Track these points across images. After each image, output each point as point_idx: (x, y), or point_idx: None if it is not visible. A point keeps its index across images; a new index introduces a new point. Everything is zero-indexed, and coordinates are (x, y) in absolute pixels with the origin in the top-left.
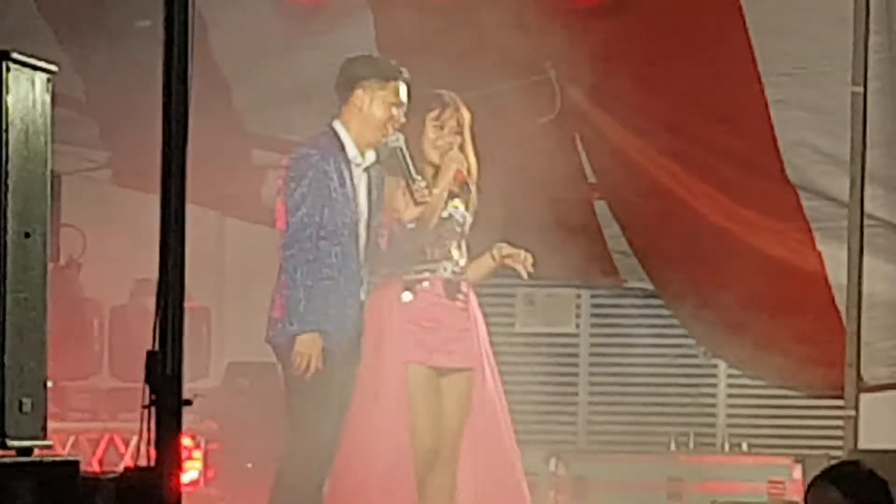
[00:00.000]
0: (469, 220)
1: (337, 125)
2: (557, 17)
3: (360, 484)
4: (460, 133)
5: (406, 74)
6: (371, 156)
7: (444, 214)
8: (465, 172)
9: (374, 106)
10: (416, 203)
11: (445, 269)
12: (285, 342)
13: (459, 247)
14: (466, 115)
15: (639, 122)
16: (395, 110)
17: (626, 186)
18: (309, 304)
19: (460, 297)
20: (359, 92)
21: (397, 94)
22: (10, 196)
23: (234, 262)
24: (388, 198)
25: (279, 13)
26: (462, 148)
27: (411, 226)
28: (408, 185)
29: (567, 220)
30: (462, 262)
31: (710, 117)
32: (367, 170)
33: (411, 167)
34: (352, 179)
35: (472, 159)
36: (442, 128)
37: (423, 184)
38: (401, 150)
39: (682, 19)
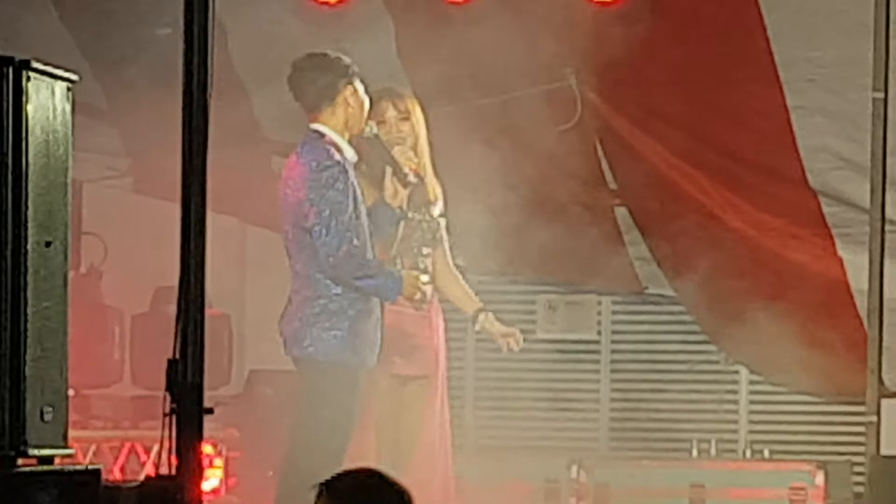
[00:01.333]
0: (443, 226)
1: (322, 128)
2: (577, 23)
3: None
4: (407, 119)
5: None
6: (354, 152)
7: (415, 218)
8: (415, 167)
9: (358, 101)
10: (405, 185)
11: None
12: (332, 357)
13: (430, 254)
14: (411, 104)
15: (659, 128)
16: (367, 101)
17: (646, 193)
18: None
19: (425, 307)
20: (349, 89)
21: (359, 91)
22: (30, 205)
23: (256, 270)
24: (369, 186)
25: (299, 20)
26: (416, 141)
27: (398, 211)
28: (394, 170)
29: (587, 227)
30: (429, 272)
31: (730, 123)
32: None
33: (390, 151)
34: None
35: (424, 148)
36: (383, 122)
37: (407, 167)
38: (377, 136)
39: (702, 25)
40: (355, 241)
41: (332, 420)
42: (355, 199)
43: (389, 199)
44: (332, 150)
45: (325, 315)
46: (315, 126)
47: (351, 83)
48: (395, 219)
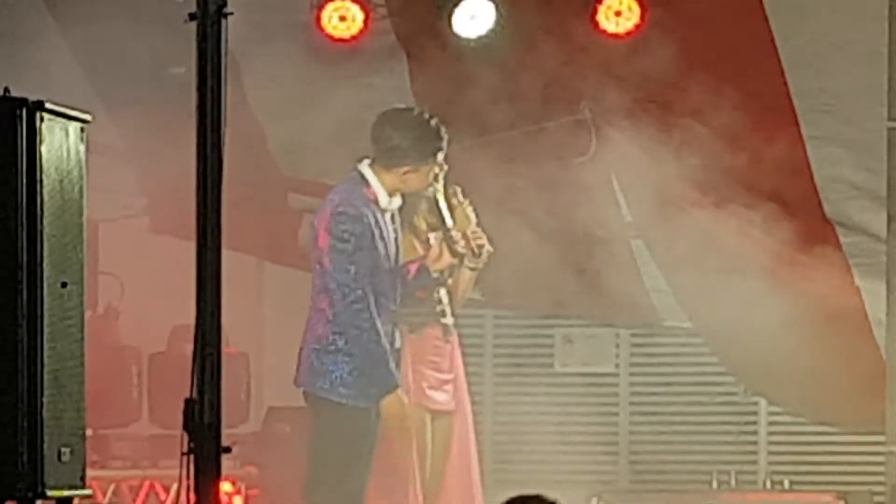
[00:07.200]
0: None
1: (365, 170)
2: (592, 56)
3: None
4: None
5: (445, 134)
6: (397, 201)
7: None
8: (483, 236)
9: (417, 180)
10: (454, 254)
11: (443, 314)
12: (346, 397)
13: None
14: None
15: (674, 159)
16: (433, 177)
17: (662, 225)
18: (372, 359)
19: (451, 339)
20: (404, 167)
21: (439, 162)
22: (45, 246)
23: (273, 307)
24: (409, 243)
25: (313, 57)
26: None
27: (436, 275)
28: (444, 235)
29: (604, 259)
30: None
31: (745, 154)
32: (392, 213)
33: (446, 215)
34: (384, 226)
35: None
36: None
37: (458, 235)
38: (436, 199)
39: (716, 57)
40: (356, 295)
41: (339, 458)
42: (374, 242)
43: (431, 262)
44: (362, 190)
45: (328, 353)
46: (360, 167)
47: (411, 167)
48: (431, 283)
